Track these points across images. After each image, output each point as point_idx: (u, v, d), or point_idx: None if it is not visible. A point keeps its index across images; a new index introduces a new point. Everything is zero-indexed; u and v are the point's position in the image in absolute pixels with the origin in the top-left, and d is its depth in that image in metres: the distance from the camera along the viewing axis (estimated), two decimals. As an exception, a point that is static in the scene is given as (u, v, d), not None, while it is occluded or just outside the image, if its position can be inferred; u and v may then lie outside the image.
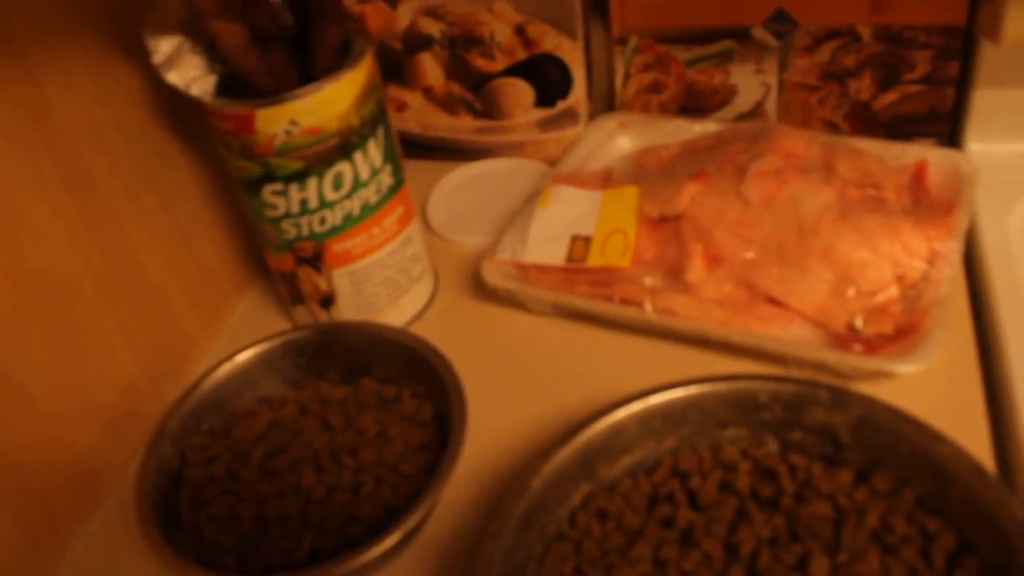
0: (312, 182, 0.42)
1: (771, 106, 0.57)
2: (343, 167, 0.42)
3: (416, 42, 0.58)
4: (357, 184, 0.43)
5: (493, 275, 0.48)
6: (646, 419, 0.35)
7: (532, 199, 0.51)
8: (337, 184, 0.42)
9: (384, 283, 0.47)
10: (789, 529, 0.32)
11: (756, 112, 0.58)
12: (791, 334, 0.43)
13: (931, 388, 0.40)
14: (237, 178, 0.43)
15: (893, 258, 0.43)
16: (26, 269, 0.37)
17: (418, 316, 0.50)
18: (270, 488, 0.38)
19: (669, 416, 0.35)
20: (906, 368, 0.38)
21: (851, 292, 0.43)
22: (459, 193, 0.59)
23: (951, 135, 0.55)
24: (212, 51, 0.41)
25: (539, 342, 0.47)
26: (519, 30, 0.56)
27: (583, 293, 0.46)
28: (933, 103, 0.54)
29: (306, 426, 0.40)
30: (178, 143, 0.47)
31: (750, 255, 0.45)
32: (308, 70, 0.41)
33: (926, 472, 0.32)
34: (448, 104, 0.60)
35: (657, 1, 0.55)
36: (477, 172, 0.61)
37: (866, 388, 0.35)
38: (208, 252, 0.50)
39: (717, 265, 0.45)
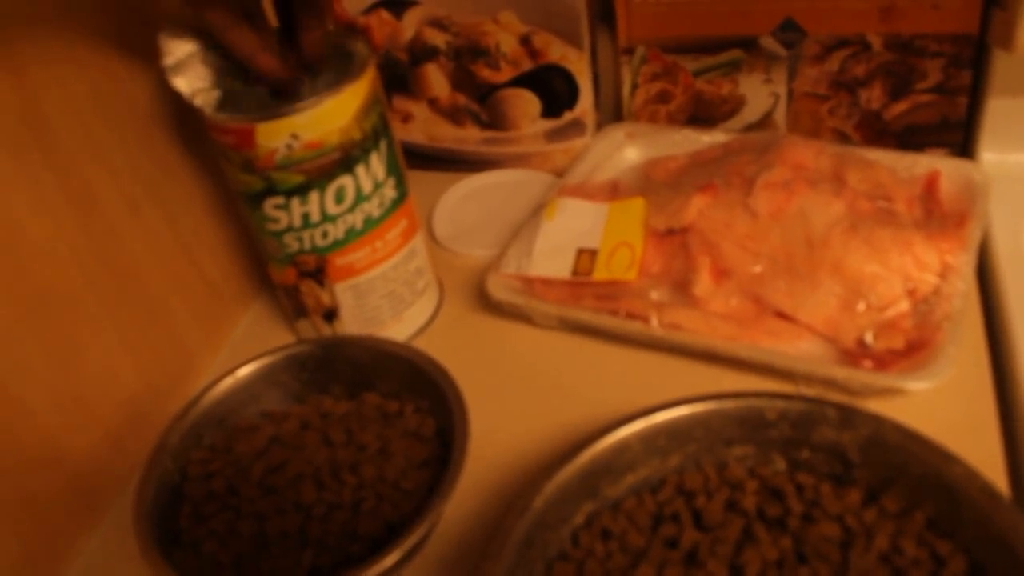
0: (314, 196, 0.41)
1: (780, 116, 0.57)
2: (345, 181, 0.42)
3: (421, 53, 0.58)
4: (359, 198, 0.42)
5: (498, 289, 0.47)
6: (651, 437, 0.34)
7: (538, 211, 0.51)
8: (339, 198, 0.42)
9: (388, 296, 0.46)
10: (796, 550, 0.31)
11: (765, 122, 0.57)
12: (799, 349, 0.42)
13: (943, 406, 0.39)
14: (238, 192, 0.43)
15: (904, 272, 0.42)
16: (27, 283, 0.37)
17: (422, 330, 0.49)
18: (270, 504, 0.37)
19: (674, 434, 0.34)
20: (917, 385, 0.38)
21: (861, 307, 0.42)
22: (465, 205, 0.59)
23: (964, 145, 0.54)
24: (228, 59, 0.40)
25: (544, 356, 0.47)
26: (525, 40, 0.56)
27: (589, 307, 0.45)
28: (945, 113, 0.53)
29: (307, 442, 0.40)
30: (180, 156, 0.47)
31: (758, 268, 0.44)
32: (300, 62, 0.41)
33: (937, 493, 0.31)
34: (454, 115, 0.60)
35: (664, 11, 0.55)
36: (483, 183, 0.60)
37: (876, 405, 0.34)
38: (211, 265, 0.49)
39: (724, 279, 0.44)
